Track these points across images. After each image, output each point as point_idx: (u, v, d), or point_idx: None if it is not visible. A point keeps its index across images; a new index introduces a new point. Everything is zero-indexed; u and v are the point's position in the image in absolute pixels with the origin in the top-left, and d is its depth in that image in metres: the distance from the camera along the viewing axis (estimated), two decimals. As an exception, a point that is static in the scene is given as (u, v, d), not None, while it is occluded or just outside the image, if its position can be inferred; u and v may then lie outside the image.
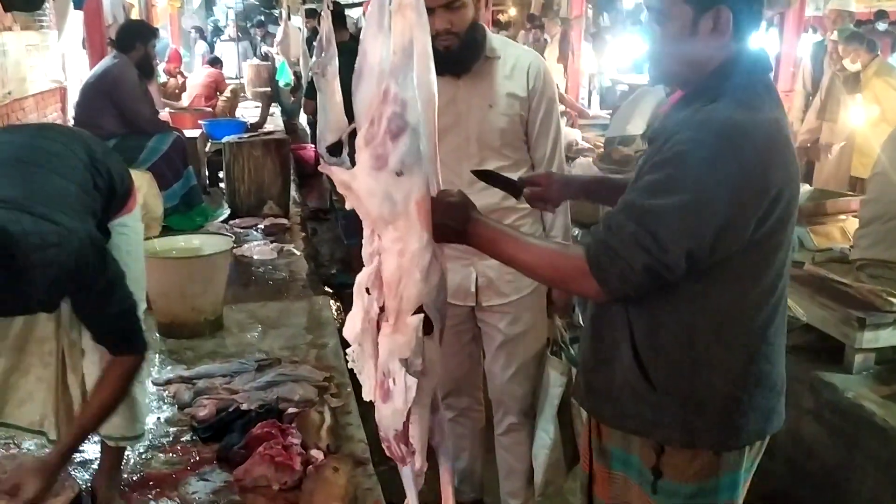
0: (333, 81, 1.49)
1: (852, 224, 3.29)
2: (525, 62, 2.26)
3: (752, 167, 1.28)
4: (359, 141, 1.27)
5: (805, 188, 4.00)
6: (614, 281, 1.32)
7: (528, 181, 1.78)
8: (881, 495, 2.57)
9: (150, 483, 2.01)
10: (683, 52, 1.37)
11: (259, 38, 13.42)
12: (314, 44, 4.57)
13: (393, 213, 1.22)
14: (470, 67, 2.21)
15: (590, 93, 8.94)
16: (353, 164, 1.34)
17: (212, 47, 13.16)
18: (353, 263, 5.66)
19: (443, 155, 2.25)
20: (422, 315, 1.25)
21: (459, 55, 2.18)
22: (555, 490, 2.53)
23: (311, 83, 5.57)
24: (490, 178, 1.82)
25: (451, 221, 1.33)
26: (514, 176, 2.29)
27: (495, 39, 2.28)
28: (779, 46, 5.01)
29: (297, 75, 8.67)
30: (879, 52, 5.33)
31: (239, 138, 4.78)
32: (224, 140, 4.78)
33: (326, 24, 1.48)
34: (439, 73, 2.21)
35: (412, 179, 1.23)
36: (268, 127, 6.75)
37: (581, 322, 2.42)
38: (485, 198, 2.28)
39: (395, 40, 1.21)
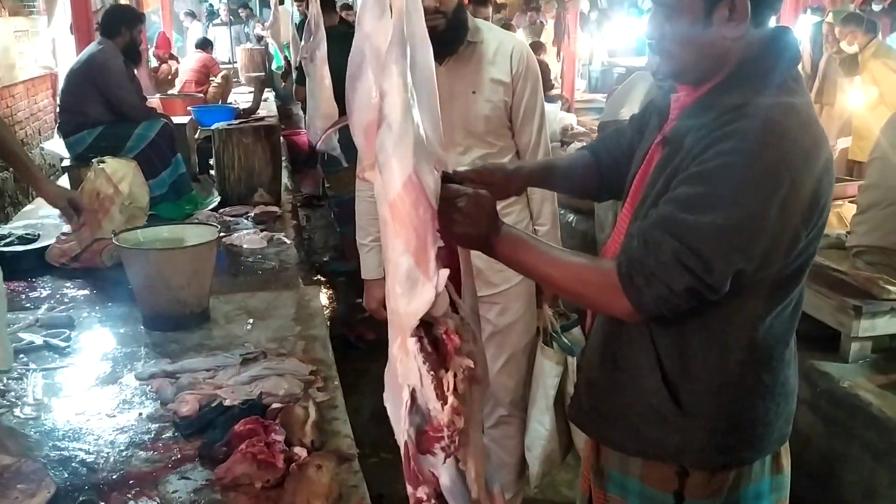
0: (322, 67, 1.44)
1: (849, 210, 3.24)
2: (508, 46, 2.20)
3: (804, 179, 1.19)
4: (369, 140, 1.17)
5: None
6: (650, 303, 1.23)
7: (468, 178, 1.55)
8: (877, 485, 2.54)
9: (130, 482, 1.97)
10: (699, 47, 1.26)
11: (244, 20, 13.30)
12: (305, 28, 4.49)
13: (383, 217, 1.14)
14: (455, 50, 2.15)
15: (589, 77, 8.88)
16: (346, 156, 1.28)
17: (206, 31, 13.04)
18: (347, 251, 5.63)
19: None
20: (417, 339, 1.13)
21: (445, 36, 2.13)
22: (548, 481, 2.50)
23: (300, 68, 5.50)
24: None
25: (479, 226, 1.25)
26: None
27: (477, 23, 2.23)
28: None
29: (288, 60, 8.58)
30: (879, 33, 5.26)
31: (228, 125, 4.71)
32: (213, 127, 4.71)
33: (315, 8, 1.42)
34: None
35: (388, 175, 1.13)
36: (261, 112, 6.67)
37: (562, 307, 2.38)
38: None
39: (392, 25, 1.13)
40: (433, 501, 1.14)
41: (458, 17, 2.12)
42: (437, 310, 1.10)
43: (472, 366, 1.13)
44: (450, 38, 2.14)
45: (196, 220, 3.81)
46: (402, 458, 1.17)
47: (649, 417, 1.35)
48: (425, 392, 1.09)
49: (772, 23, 1.31)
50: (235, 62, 11.75)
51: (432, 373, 1.09)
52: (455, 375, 1.11)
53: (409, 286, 1.08)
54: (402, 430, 1.13)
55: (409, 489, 1.17)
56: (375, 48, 1.14)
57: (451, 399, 1.10)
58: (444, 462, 1.12)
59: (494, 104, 2.19)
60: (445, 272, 1.08)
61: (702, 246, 1.19)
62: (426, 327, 1.12)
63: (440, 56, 2.15)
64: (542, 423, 2.32)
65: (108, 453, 2.09)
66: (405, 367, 1.12)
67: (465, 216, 1.24)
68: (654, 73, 1.43)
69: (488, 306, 2.35)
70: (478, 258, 2.39)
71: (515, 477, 2.50)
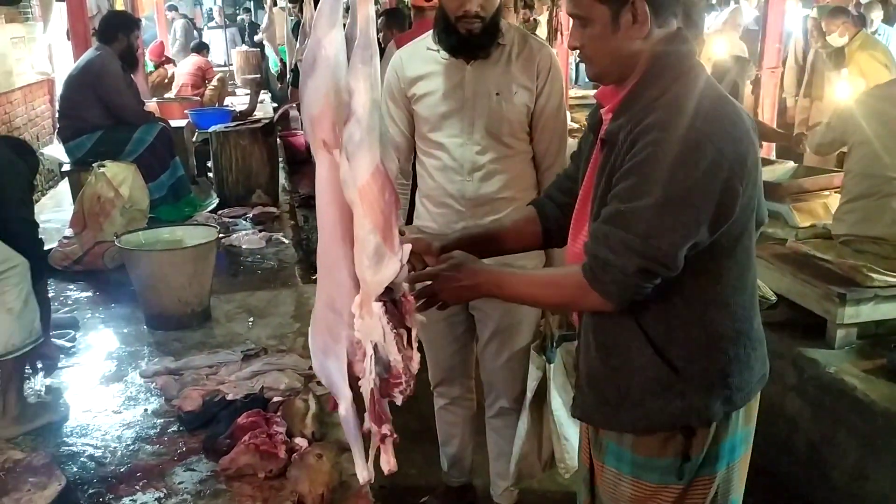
0: None
1: (836, 200, 3.30)
2: (536, 53, 2.23)
3: (725, 142, 1.31)
4: (315, 129, 1.29)
5: (789, 165, 4.01)
6: (614, 291, 1.36)
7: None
8: (863, 468, 2.61)
9: (138, 474, 2.04)
10: (612, 50, 1.40)
11: (246, 24, 13.34)
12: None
13: (352, 200, 1.25)
14: (488, 53, 2.19)
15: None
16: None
17: (200, 34, 13.09)
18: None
19: (444, 140, 2.28)
20: (381, 303, 1.27)
21: (480, 39, 2.17)
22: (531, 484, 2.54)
23: (296, 71, 5.55)
24: None
25: (463, 280, 1.46)
26: (515, 166, 2.29)
27: (507, 25, 2.26)
28: (763, 20, 4.96)
29: (284, 62, 8.64)
30: (867, 26, 5.31)
31: (225, 127, 4.77)
32: (210, 129, 4.77)
33: (309, 11, 1.50)
34: (452, 55, 2.20)
35: (356, 164, 1.25)
36: (257, 115, 6.72)
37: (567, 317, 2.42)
38: (484, 187, 2.30)
39: (358, 30, 1.23)
40: (395, 436, 1.34)
41: (495, 21, 2.17)
42: (399, 278, 1.28)
43: (426, 321, 1.36)
44: (484, 42, 2.17)
45: (195, 222, 3.87)
46: (366, 403, 1.34)
47: (651, 390, 1.45)
48: (388, 346, 1.27)
49: (674, 24, 1.43)
50: (231, 65, 11.80)
51: (395, 330, 1.27)
52: (410, 330, 1.31)
53: (376, 260, 1.24)
54: (367, 379, 1.31)
55: (374, 428, 1.34)
56: (326, 56, 1.27)
57: (410, 352, 1.31)
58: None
59: (517, 108, 2.21)
60: (408, 247, 1.28)
61: (643, 229, 1.31)
62: (387, 292, 1.29)
63: (470, 57, 2.22)
64: (523, 422, 2.38)
65: (115, 448, 2.16)
66: (367, 327, 1.28)
67: (447, 293, 1.48)
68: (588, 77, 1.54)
69: (493, 305, 2.37)
70: (486, 259, 2.42)
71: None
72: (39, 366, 2.43)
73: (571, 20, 1.45)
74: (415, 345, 1.33)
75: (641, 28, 1.37)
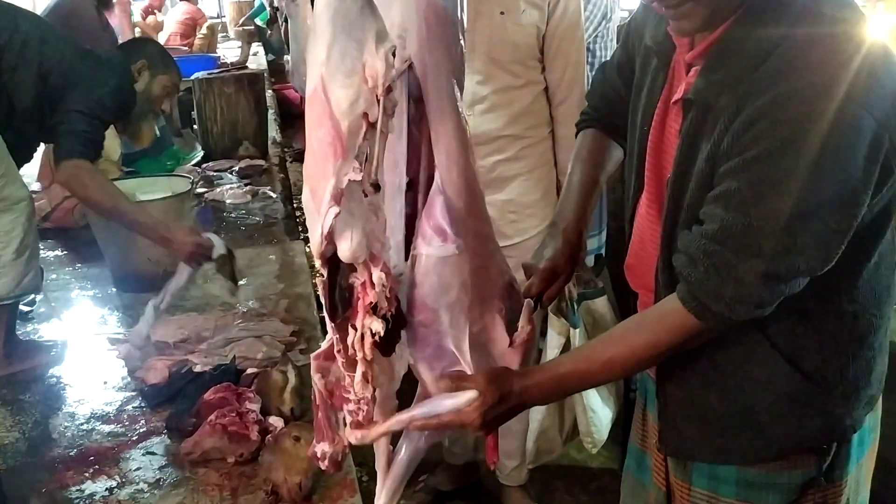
0: (305, 6, 1.20)
1: None
2: None
3: (885, 116, 0.96)
4: None
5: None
6: (739, 319, 1.05)
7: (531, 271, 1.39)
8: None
9: (90, 459, 1.77)
10: None
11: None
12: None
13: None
14: None
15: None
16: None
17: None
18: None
19: None
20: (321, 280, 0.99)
21: None
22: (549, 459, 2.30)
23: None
24: None
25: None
26: (522, 99, 1.98)
27: None
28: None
29: (274, 7, 8.24)
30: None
31: (209, 74, 4.43)
32: (193, 77, 4.44)
33: None
34: None
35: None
36: (250, 66, 6.37)
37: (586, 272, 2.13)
38: (486, 122, 1.98)
39: None
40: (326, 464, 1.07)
41: None
42: (344, 255, 0.93)
43: (381, 330, 0.96)
44: None
45: (169, 174, 3.56)
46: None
47: (782, 409, 1.15)
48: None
49: None
50: (223, 16, 11.39)
51: (337, 335, 0.93)
52: (362, 337, 0.95)
53: (310, 217, 0.92)
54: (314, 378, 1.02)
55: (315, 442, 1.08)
56: None
57: (360, 366, 0.95)
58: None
59: (525, 29, 1.90)
60: (334, 211, 0.90)
61: (787, 247, 0.98)
62: (349, 271, 0.95)
63: None
64: None
65: (66, 427, 1.89)
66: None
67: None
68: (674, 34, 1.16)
69: None
70: (490, 206, 2.14)
71: (521, 444, 2.29)
72: None
73: None
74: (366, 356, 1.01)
75: None
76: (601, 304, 2.08)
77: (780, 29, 0.99)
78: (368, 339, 0.95)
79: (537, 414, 2.12)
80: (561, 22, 1.93)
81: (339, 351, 0.96)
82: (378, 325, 0.95)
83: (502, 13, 1.89)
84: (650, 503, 1.40)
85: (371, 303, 0.94)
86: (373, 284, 0.94)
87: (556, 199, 2.17)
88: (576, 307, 2.02)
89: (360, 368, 0.96)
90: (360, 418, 1.00)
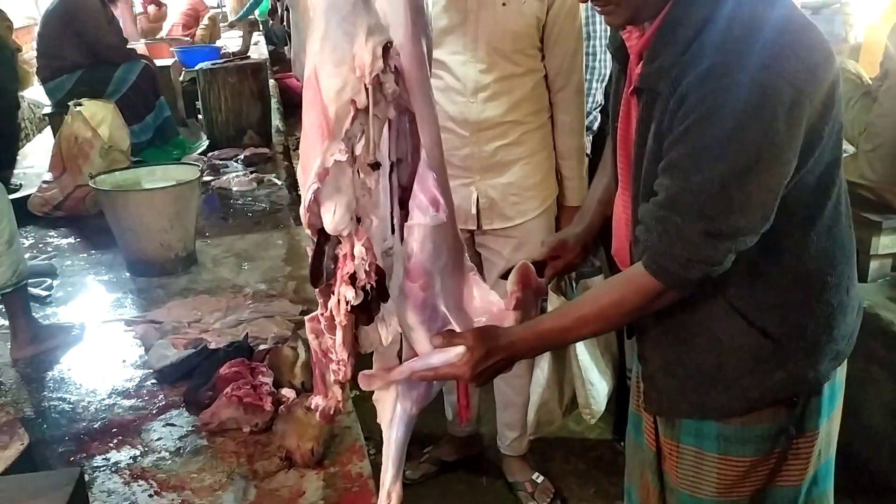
0: None
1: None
2: None
3: (804, 83, 1.05)
4: None
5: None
6: (696, 281, 1.14)
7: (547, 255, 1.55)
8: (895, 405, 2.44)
9: (113, 430, 1.87)
10: None
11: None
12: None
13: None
14: None
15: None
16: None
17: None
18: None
19: (445, 58, 2.04)
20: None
21: None
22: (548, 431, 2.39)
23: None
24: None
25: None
26: (523, 86, 2.06)
27: None
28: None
29: (275, -1, 8.29)
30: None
31: (213, 64, 4.51)
32: (197, 67, 4.52)
33: None
34: None
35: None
36: (252, 56, 6.43)
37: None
38: (489, 109, 2.07)
39: None
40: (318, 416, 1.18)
41: None
42: (327, 227, 1.02)
43: (352, 299, 1.05)
44: None
45: (178, 163, 3.65)
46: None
47: (746, 365, 1.23)
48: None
49: None
50: (224, 6, 11.41)
51: (321, 300, 1.03)
52: (338, 303, 1.04)
53: (303, 192, 1.01)
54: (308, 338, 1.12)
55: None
56: None
57: (339, 332, 1.05)
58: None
59: (526, 19, 1.98)
60: (314, 187, 0.98)
61: (725, 207, 1.07)
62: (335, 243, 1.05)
63: None
64: (542, 370, 2.21)
65: (89, 402, 1.99)
66: None
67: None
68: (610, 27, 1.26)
69: (503, 241, 2.20)
70: (491, 188, 2.26)
71: (522, 416, 2.38)
72: None
73: None
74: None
75: None
76: (598, 282, 2.18)
77: (707, 11, 1.09)
78: (344, 306, 1.04)
79: (538, 387, 2.21)
80: (560, 11, 2.01)
81: (322, 314, 1.05)
82: (350, 294, 1.04)
83: (504, 4, 1.96)
84: (646, 463, 1.50)
85: (349, 273, 1.03)
86: (353, 256, 1.03)
87: (555, 181, 2.26)
88: (574, 285, 2.11)
89: (338, 332, 1.06)
90: (340, 378, 1.10)
